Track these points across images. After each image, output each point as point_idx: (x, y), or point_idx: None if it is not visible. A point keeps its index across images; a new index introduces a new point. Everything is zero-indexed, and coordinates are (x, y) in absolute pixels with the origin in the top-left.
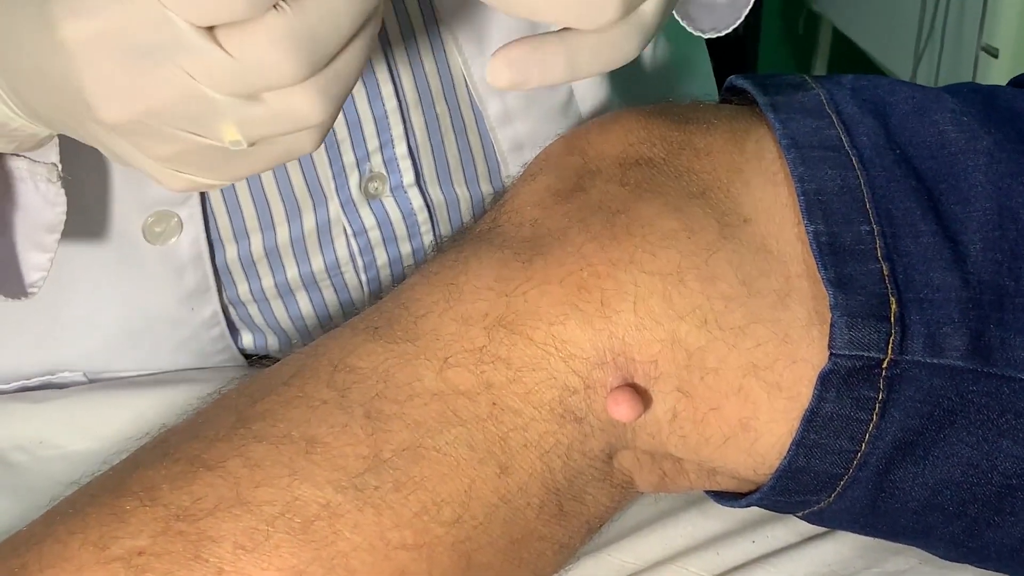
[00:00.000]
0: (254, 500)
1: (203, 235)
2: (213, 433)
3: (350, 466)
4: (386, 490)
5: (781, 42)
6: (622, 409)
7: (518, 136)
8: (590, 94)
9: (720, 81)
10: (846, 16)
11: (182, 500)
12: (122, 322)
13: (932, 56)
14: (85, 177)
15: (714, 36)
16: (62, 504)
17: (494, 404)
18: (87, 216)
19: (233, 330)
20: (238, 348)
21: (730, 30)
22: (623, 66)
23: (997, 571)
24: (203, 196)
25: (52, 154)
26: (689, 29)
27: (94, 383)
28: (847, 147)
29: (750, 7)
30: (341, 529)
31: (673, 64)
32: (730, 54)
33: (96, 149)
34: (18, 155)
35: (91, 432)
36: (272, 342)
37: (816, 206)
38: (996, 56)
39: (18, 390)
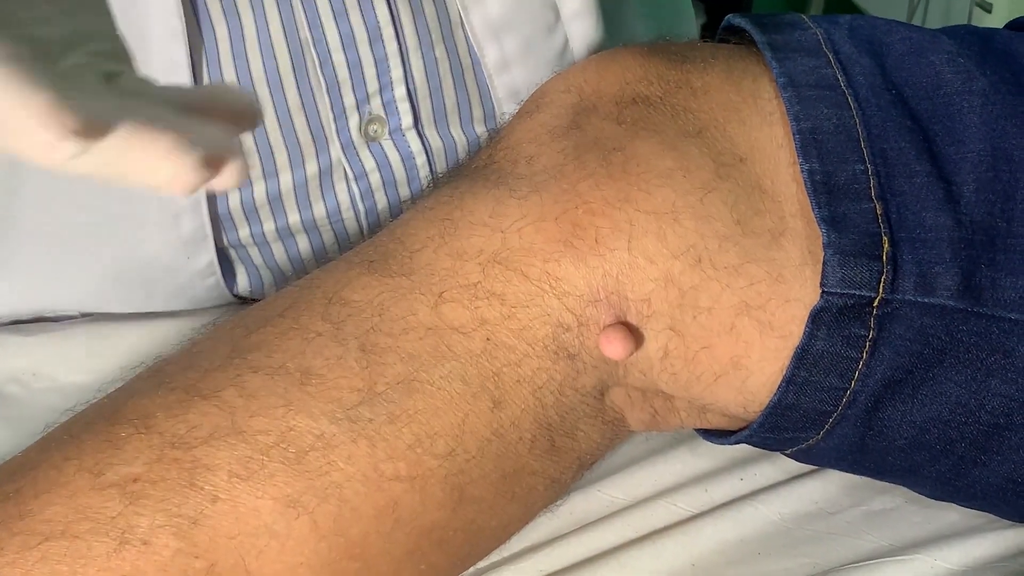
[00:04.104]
0: (249, 429)
1: None
2: (208, 363)
3: (344, 398)
4: (380, 422)
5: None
6: (614, 347)
7: (515, 83)
8: (585, 43)
9: (716, 24)
10: None
11: (177, 428)
12: (118, 266)
13: (925, 10)
14: None
15: None
16: (57, 431)
17: (488, 339)
18: None
19: (229, 272)
20: (233, 295)
21: None
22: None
23: (982, 510)
24: None
25: None
26: None
27: (87, 316)
28: (843, 86)
29: None
30: (335, 460)
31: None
32: (725, 5)
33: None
34: None
35: (84, 365)
36: (268, 282)
37: (811, 145)
38: (989, 11)
39: (11, 323)
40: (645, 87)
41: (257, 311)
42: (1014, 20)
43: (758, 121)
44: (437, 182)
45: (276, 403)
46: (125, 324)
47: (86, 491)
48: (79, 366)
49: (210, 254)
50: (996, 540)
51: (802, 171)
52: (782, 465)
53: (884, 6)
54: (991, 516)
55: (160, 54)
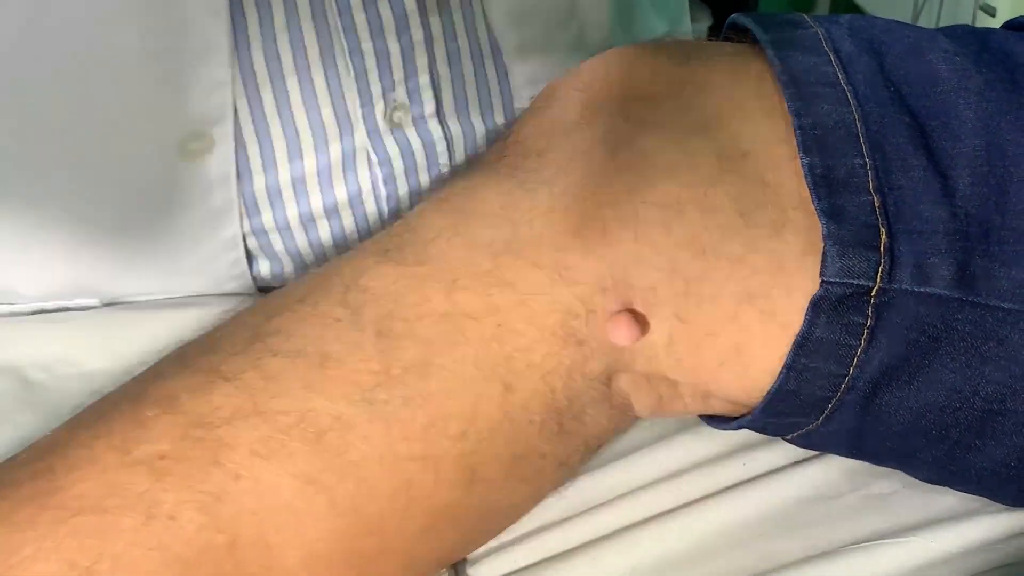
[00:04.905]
0: (270, 410)
1: (232, 156)
2: (230, 347)
3: (361, 381)
4: (396, 404)
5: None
6: (621, 333)
7: (532, 72)
8: (598, 34)
9: (721, 24)
10: None
11: (201, 409)
12: (146, 239)
13: (930, 13)
14: (122, 93)
15: None
16: (85, 412)
17: (499, 326)
18: (123, 131)
19: (250, 259)
20: (252, 280)
21: None
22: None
23: (977, 494)
24: (236, 121)
25: None
26: None
27: (109, 306)
28: (843, 83)
29: None
30: (352, 440)
31: (666, 8)
32: (731, 7)
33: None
34: None
35: (108, 351)
36: (289, 269)
37: (812, 140)
38: (993, 15)
39: (35, 311)
40: (651, 84)
41: (277, 298)
42: (1012, 20)
43: (760, 117)
44: (452, 175)
45: (296, 385)
46: (146, 313)
47: (115, 468)
48: (102, 353)
49: (235, 227)
50: (991, 523)
51: (802, 165)
52: (783, 451)
53: (889, 10)
54: (986, 500)
55: (200, 30)
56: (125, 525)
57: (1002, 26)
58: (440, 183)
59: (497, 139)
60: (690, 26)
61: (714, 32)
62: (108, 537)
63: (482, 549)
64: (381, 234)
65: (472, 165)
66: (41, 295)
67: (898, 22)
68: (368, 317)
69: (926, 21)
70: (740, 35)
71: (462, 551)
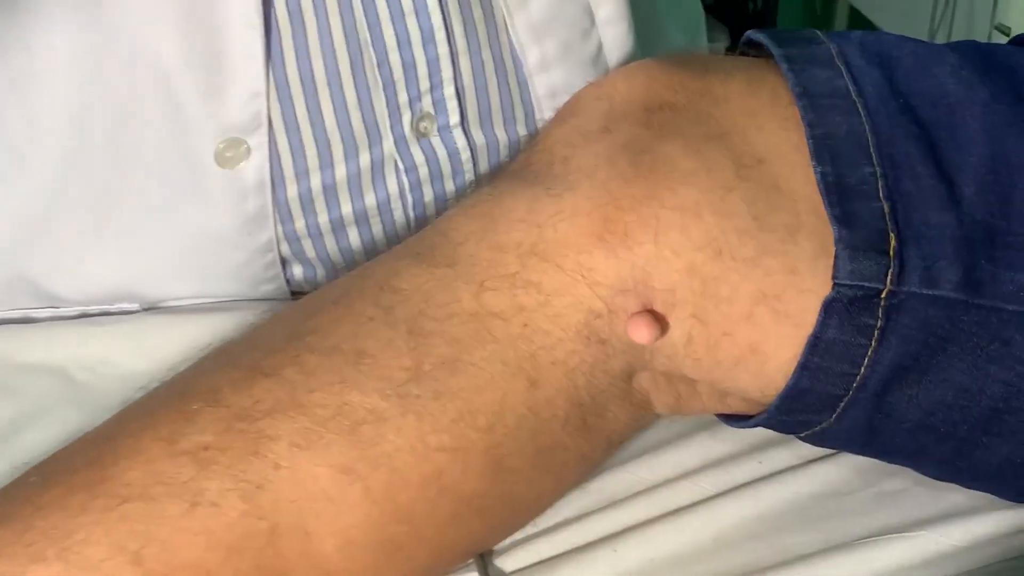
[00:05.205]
0: (308, 404)
1: (267, 164)
2: (270, 344)
3: (394, 376)
4: (426, 399)
5: (799, 20)
6: (641, 332)
7: (553, 83)
8: (617, 46)
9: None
10: None
11: (243, 402)
12: (185, 243)
13: (945, 34)
14: (163, 101)
15: None
16: (132, 406)
17: (525, 325)
18: (163, 138)
19: (284, 264)
20: (287, 283)
21: None
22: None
23: (983, 490)
24: (270, 129)
25: None
26: None
27: (149, 312)
28: (854, 96)
29: None
30: (386, 432)
31: (686, 24)
32: (748, 26)
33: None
34: None
35: (148, 354)
36: (321, 274)
37: (824, 149)
38: (1008, 35)
39: (78, 315)
40: (671, 95)
41: (313, 299)
42: (1018, 35)
43: (775, 127)
44: (479, 183)
45: (332, 380)
46: (183, 317)
47: (161, 458)
48: (143, 354)
49: (270, 232)
50: (997, 519)
51: (815, 173)
52: (797, 450)
53: (905, 31)
54: (992, 497)
55: (238, 42)
56: (171, 511)
57: (1009, 41)
58: (467, 191)
59: (522, 148)
60: (707, 43)
61: (731, 51)
62: (155, 522)
63: (507, 541)
64: (412, 238)
65: (498, 173)
66: (84, 300)
67: (907, 38)
68: (400, 316)
69: (942, 40)
70: (756, 50)
71: (489, 541)
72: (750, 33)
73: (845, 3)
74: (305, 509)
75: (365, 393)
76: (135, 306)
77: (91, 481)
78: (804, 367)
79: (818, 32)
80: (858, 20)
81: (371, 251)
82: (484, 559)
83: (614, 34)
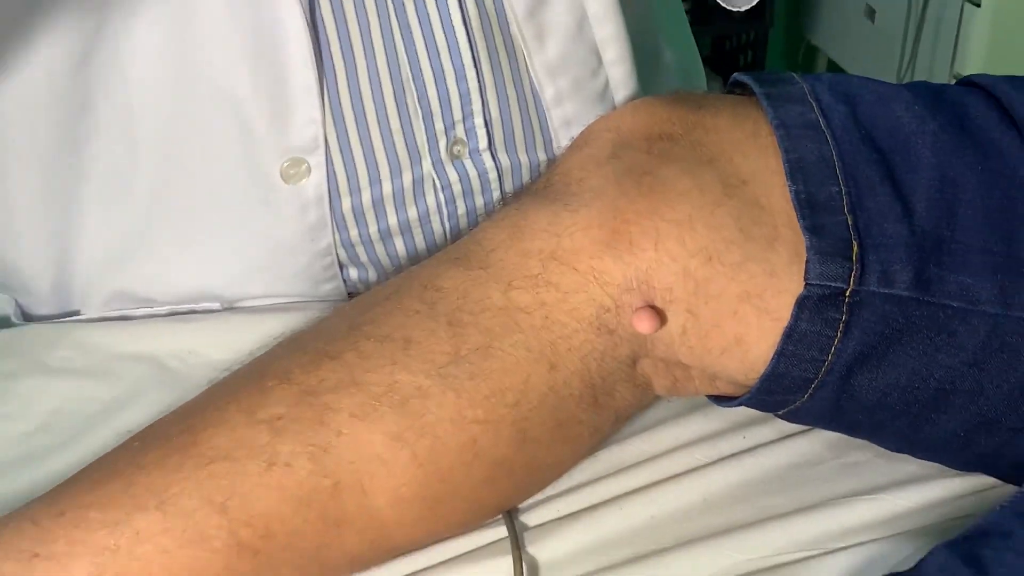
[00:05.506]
0: (364, 382)
1: (325, 180)
2: (332, 333)
3: (436, 360)
4: (463, 378)
5: (784, 69)
6: (644, 324)
7: (567, 115)
8: (621, 83)
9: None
10: (838, 48)
11: (310, 381)
12: (258, 249)
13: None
14: (237, 126)
15: (745, 8)
16: (217, 385)
17: (546, 317)
18: (237, 161)
19: (341, 267)
20: (344, 283)
21: (752, 5)
22: (647, 65)
23: (933, 460)
24: (327, 151)
25: None
26: (725, 6)
27: (228, 311)
28: (823, 127)
29: None
30: (429, 406)
31: (681, 68)
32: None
33: (238, 107)
34: None
35: (229, 345)
36: (373, 276)
37: (798, 171)
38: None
39: (169, 313)
40: (669, 127)
41: (368, 296)
42: (963, 77)
43: (756, 153)
44: (506, 200)
45: (385, 362)
46: (258, 315)
47: (243, 426)
48: (224, 345)
49: (328, 238)
50: (945, 485)
51: (790, 191)
52: (776, 427)
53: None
54: (941, 466)
55: (297, 77)
56: (251, 470)
57: (956, 82)
58: (496, 206)
59: (543, 171)
60: (705, 85)
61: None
62: (238, 479)
63: (530, 500)
64: (451, 246)
65: (523, 192)
66: (173, 300)
67: (870, 79)
68: (441, 310)
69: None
70: (741, 89)
71: (515, 500)
72: (736, 75)
73: (824, 56)
74: (362, 469)
75: (412, 373)
76: (216, 305)
77: (184, 444)
78: (781, 354)
79: (794, 74)
80: (835, 69)
81: (415, 256)
82: (511, 515)
83: (618, 73)
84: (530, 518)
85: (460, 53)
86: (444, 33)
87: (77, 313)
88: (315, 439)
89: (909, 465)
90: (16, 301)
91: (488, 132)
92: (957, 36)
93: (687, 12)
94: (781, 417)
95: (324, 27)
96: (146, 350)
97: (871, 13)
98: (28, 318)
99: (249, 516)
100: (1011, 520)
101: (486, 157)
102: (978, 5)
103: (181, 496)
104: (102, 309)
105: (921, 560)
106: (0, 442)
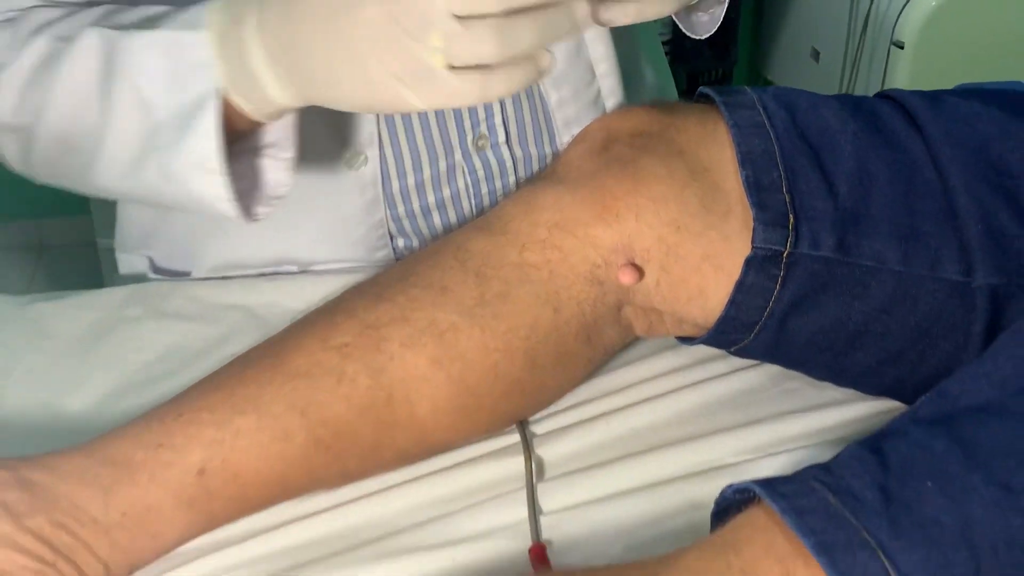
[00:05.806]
0: (412, 319)
1: (379, 167)
2: (387, 283)
3: (466, 303)
4: (487, 317)
5: None
6: (627, 278)
7: (568, 116)
8: (611, 92)
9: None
10: (790, 82)
11: (370, 317)
12: (326, 222)
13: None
14: (312, 130)
15: (705, 36)
16: (298, 322)
17: (551, 272)
18: (311, 153)
19: (391, 237)
20: (392, 247)
21: (711, 33)
22: (632, 82)
23: (852, 387)
24: (380, 143)
25: (289, 149)
26: (688, 33)
27: (303, 273)
28: (768, 127)
29: (721, 18)
30: (460, 338)
31: (658, 87)
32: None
33: (311, 117)
34: (263, 148)
35: (305, 298)
36: (416, 243)
37: (747, 161)
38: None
39: (258, 275)
40: (648, 126)
41: (414, 256)
42: (878, 92)
43: (716, 147)
44: (521, 184)
45: (427, 304)
46: (327, 276)
47: (318, 351)
48: (301, 298)
49: (381, 213)
50: (861, 407)
51: (742, 176)
52: (729, 361)
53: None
54: (858, 393)
55: None
56: (324, 385)
57: (874, 95)
58: (513, 188)
59: (549, 162)
60: (676, 95)
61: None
62: (314, 391)
63: (539, 414)
64: (477, 219)
65: (534, 178)
66: (260, 264)
67: (806, 91)
68: (470, 267)
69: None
70: (705, 100)
71: (527, 413)
72: (702, 89)
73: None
74: (410, 386)
75: (448, 313)
76: (294, 268)
77: (273, 364)
78: (732, 302)
79: (746, 88)
80: None
81: (449, 228)
82: (523, 424)
83: (608, 84)
84: (538, 428)
85: None
86: None
87: (189, 273)
88: (373, 362)
89: (833, 391)
90: (150, 259)
91: (505, 129)
92: (885, 72)
93: (666, 52)
94: (733, 353)
95: None
96: (240, 302)
97: (816, 54)
98: (157, 271)
99: (323, 419)
100: (907, 424)
101: (504, 149)
102: (902, 47)
103: (271, 403)
104: (208, 272)
105: (838, 453)
106: (129, 368)
